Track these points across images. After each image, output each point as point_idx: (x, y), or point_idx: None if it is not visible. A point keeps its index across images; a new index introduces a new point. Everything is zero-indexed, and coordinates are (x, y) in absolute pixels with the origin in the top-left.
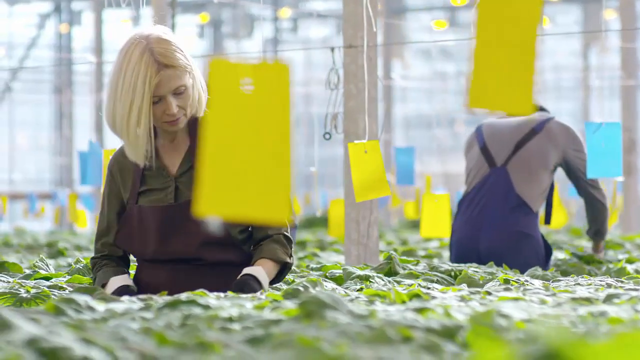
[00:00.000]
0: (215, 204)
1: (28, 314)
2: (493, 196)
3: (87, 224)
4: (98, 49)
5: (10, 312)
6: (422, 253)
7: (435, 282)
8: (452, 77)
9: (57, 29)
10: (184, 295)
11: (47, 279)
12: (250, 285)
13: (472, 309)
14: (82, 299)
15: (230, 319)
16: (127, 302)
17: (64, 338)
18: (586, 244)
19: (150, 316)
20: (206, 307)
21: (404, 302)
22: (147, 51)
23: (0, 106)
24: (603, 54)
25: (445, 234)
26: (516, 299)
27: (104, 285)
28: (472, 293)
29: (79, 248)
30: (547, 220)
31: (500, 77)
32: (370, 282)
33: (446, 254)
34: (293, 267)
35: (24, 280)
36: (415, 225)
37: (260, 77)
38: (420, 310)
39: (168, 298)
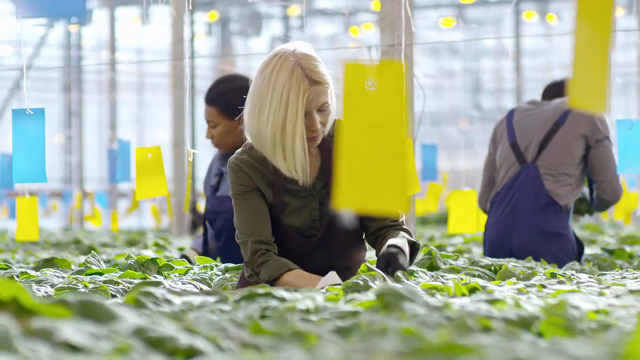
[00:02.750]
0: (351, 198)
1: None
2: (523, 195)
3: (101, 222)
4: (111, 47)
5: (113, 303)
6: (450, 249)
7: (477, 277)
8: (459, 74)
9: (66, 28)
10: (260, 289)
11: (99, 274)
12: (396, 259)
13: (543, 300)
14: (159, 292)
15: (308, 311)
16: (200, 295)
17: (168, 328)
18: (609, 239)
19: (228, 308)
20: (282, 299)
21: (463, 294)
22: (297, 67)
23: (10, 105)
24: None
25: (472, 229)
26: (573, 292)
27: (281, 274)
28: (527, 286)
29: (105, 245)
30: (591, 204)
31: (592, 78)
32: (415, 276)
33: (475, 249)
34: None
35: (78, 276)
36: (425, 221)
37: (381, 76)
38: (491, 302)
39: (244, 291)
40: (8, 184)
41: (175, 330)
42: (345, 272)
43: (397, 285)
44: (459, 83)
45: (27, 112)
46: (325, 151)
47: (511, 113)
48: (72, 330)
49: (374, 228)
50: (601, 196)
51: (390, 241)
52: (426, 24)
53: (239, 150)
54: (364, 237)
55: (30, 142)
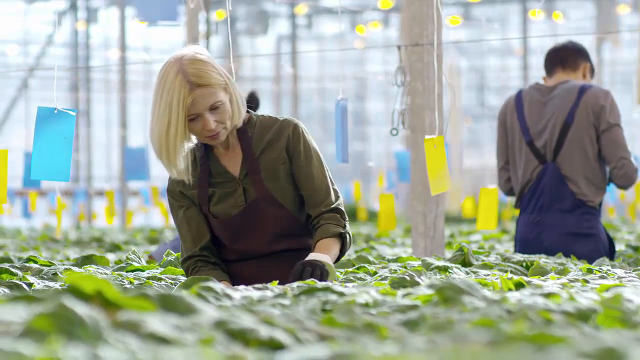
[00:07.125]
0: None
1: None
2: (549, 197)
3: (113, 220)
4: (122, 46)
5: (191, 297)
6: (474, 246)
7: (510, 273)
8: (464, 73)
9: (74, 27)
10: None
11: (141, 270)
12: (307, 271)
13: (596, 294)
14: (219, 287)
15: (367, 305)
16: (259, 290)
17: (246, 320)
18: (628, 236)
19: (288, 303)
20: (340, 294)
21: (510, 289)
22: (180, 73)
23: (17, 104)
24: (616, 48)
25: (493, 226)
26: (618, 286)
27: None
28: (571, 281)
29: (127, 242)
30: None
31: None
32: (450, 272)
33: (497, 246)
34: (370, 259)
35: (121, 272)
36: None
37: None
38: (546, 296)
39: (304, 285)
40: (34, 181)
41: (254, 322)
42: (281, 255)
43: (456, 279)
44: (464, 81)
45: (54, 111)
46: (244, 142)
47: (519, 100)
48: (158, 323)
49: (313, 216)
50: (614, 181)
51: (311, 255)
52: None
53: None
54: (304, 222)
55: (57, 140)
